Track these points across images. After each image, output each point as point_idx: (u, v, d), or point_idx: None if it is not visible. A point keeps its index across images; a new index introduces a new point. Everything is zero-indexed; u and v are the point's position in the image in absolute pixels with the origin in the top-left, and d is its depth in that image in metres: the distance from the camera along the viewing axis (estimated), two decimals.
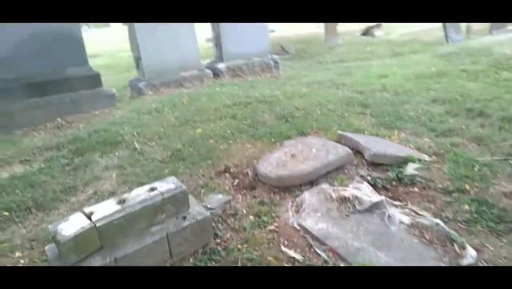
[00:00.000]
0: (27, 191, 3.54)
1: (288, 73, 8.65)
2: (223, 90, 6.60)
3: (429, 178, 3.57)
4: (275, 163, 3.68)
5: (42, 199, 3.39)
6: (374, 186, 3.51)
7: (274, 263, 2.61)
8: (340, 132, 4.33)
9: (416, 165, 3.69)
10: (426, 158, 3.94)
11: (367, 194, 3.24)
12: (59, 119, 5.72)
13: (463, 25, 12.95)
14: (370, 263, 2.48)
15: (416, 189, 3.46)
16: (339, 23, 15.38)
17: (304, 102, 5.66)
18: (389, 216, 2.97)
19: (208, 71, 7.74)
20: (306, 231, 2.85)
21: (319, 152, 3.74)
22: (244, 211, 3.21)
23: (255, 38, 8.11)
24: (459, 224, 2.97)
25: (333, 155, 3.65)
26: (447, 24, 11.93)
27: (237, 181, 3.71)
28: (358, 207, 3.06)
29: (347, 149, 3.74)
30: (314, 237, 2.78)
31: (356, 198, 3.12)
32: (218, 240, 2.85)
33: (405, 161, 3.78)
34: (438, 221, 2.94)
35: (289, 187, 3.47)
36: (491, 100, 5.42)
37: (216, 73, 7.85)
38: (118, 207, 2.47)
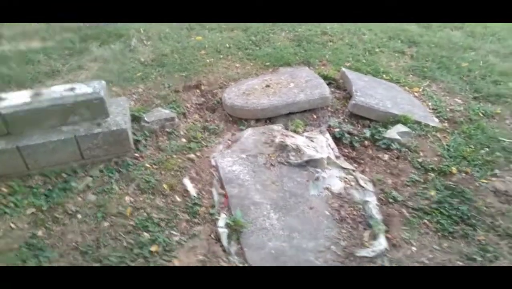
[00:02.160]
0: (20, 66, 3.92)
1: None
2: None
3: (414, 147, 2.96)
4: (243, 90, 3.39)
5: (24, 77, 3.73)
6: (339, 140, 3.05)
7: (167, 192, 2.58)
8: (343, 69, 3.70)
9: (404, 129, 3.05)
10: (434, 123, 3.21)
11: (316, 147, 2.85)
12: None
13: None
14: (240, 221, 2.28)
15: (385, 157, 2.92)
16: None
17: (339, 26, 4.86)
18: (317, 178, 2.61)
19: None
20: (217, 169, 2.68)
21: (293, 89, 3.30)
22: (182, 132, 3.13)
23: None
24: (403, 210, 2.49)
25: (305, 95, 3.20)
26: None
27: (202, 99, 3.56)
28: (292, 159, 2.73)
29: (325, 92, 3.22)
30: (220, 178, 2.62)
31: (297, 148, 2.78)
32: (137, 154, 2.88)
33: (397, 120, 3.14)
34: (371, 199, 2.50)
35: (246, 119, 3.22)
36: None
37: None
38: (27, 100, 2.59)
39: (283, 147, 2.81)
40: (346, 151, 3.03)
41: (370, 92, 3.34)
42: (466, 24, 5.23)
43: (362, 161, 2.94)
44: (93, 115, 2.78)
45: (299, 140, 2.88)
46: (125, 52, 4.20)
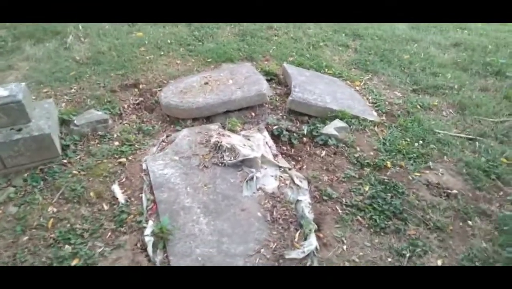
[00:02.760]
0: None
1: None
2: None
3: (351, 143, 2.96)
4: (181, 88, 3.27)
5: None
6: (277, 137, 3.01)
7: (94, 200, 2.44)
8: (284, 64, 3.66)
9: (341, 124, 3.04)
10: (372, 117, 3.23)
11: (252, 146, 2.79)
12: None
13: None
14: (166, 229, 2.19)
15: (323, 153, 2.91)
16: None
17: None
18: (251, 178, 2.55)
19: None
20: (147, 173, 2.57)
21: (231, 86, 3.22)
22: (115, 135, 2.98)
23: None
24: (337, 208, 2.47)
25: (242, 92, 3.12)
26: None
27: (140, 99, 3.41)
28: (226, 159, 2.66)
29: (261, 88, 3.16)
30: (150, 183, 2.51)
31: (232, 148, 2.70)
32: (65, 160, 2.71)
33: (335, 115, 3.13)
34: (304, 198, 2.47)
35: (183, 119, 3.10)
36: None
37: None
38: None
39: (218, 147, 2.73)
40: (284, 148, 2.99)
41: (309, 87, 3.32)
42: None
43: (300, 158, 2.91)
44: (12, 120, 2.59)
45: (234, 139, 2.81)
46: (59, 50, 3.96)
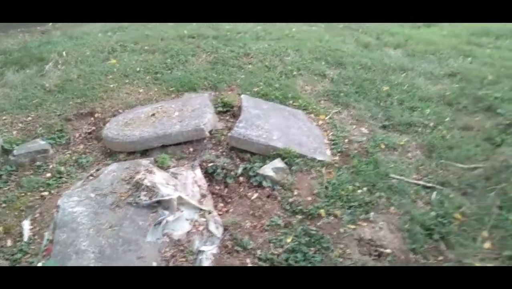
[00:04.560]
0: None
1: None
2: None
3: (289, 185, 2.71)
4: (127, 120, 3.23)
5: None
6: (211, 175, 2.83)
7: (1, 235, 2.41)
8: (242, 96, 3.50)
9: (280, 164, 2.80)
10: (323, 157, 2.95)
11: (177, 185, 2.64)
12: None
13: None
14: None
15: (255, 195, 2.69)
16: None
17: (267, 46, 4.65)
18: (159, 223, 2.39)
19: None
20: (58, 210, 2.50)
21: (174, 119, 3.12)
22: (51, 166, 2.98)
23: None
24: (248, 261, 2.24)
25: (180, 126, 3.00)
26: None
27: (93, 128, 3.41)
28: (143, 199, 2.53)
29: (200, 123, 3.01)
30: (57, 221, 2.43)
31: (152, 187, 2.58)
32: None
33: (278, 154, 2.90)
34: (209, 248, 2.27)
35: (121, 152, 3.04)
36: None
37: None
38: None
39: (138, 185, 2.61)
40: (217, 187, 2.80)
41: (258, 122, 3.12)
42: (409, 42, 4.95)
43: (230, 200, 2.71)
44: None
45: (158, 177, 2.67)
46: (35, 77, 4.12)
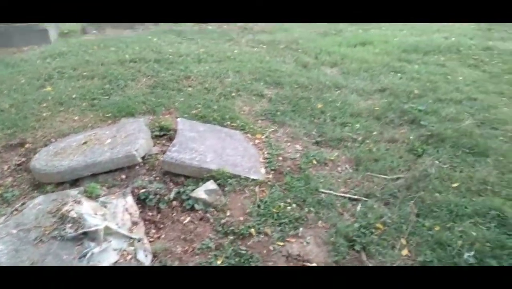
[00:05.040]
0: None
1: (269, 24, 7.43)
2: (154, 41, 5.88)
3: (222, 206, 2.73)
4: (58, 149, 3.14)
5: None
6: (143, 202, 2.80)
7: None
8: (178, 119, 3.52)
9: (213, 186, 2.83)
10: (257, 176, 3.01)
11: (106, 214, 2.59)
12: None
13: None
14: None
15: (187, 219, 2.68)
16: None
17: (208, 68, 4.74)
18: (84, 255, 2.32)
19: None
20: None
21: (105, 146, 3.07)
22: None
23: None
24: None
25: (110, 154, 2.96)
26: None
27: (23, 159, 3.29)
28: (68, 231, 2.45)
29: (132, 150, 2.99)
30: None
31: (78, 218, 2.50)
32: None
33: (211, 176, 2.92)
34: None
35: (50, 183, 2.94)
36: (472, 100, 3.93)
37: None
38: None
39: (64, 217, 2.53)
40: (150, 214, 2.77)
41: (193, 145, 3.14)
42: (345, 60, 5.20)
43: (162, 225, 2.69)
44: None
45: (86, 207, 2.61)
46: None
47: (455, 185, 2.80)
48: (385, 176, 2.99)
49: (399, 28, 7.15)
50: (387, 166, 3.09)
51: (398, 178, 2.96)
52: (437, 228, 2.43)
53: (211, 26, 6.96)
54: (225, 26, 7.08)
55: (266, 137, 3.54)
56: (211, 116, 3.74)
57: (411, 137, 3.45)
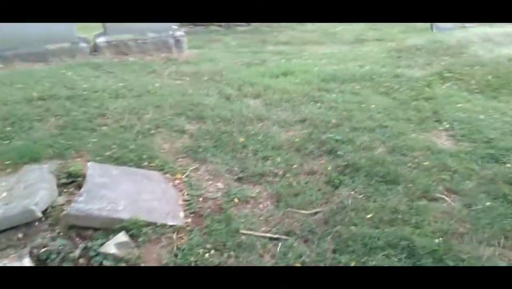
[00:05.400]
0: None
1: (194, 54, 7.42)
2: (68, 75, 5.52)
3: (136, 260, 2.52)
4: None
5: None
6: (45, 263, 2.50)
7: None
8: (89, 164, 3.26)
9: (124, 238, 2.62)
10: (175, 221, 2.85)
11: None
12: None
13: None
14: None
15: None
16: None
17: (126, 104, 4.53)
18: None
19: (84, 46, 6.65)
20: None
21: (1, 201, 2.72)
22: None
23: None
24: None
25: (4, 210, 2.64)
26: None
27: None
28: None
29: (30, 204, 2.69)
30: None
31: None
32: None
33: (123, 226, 2.71)
34: None
35: None
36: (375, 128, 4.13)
37: (96, 49, 6.73)
38: None
39: None
40: None
41: (104, 192, 2.91)
42: (267, 91, 5.30)
43: None
44: None
45: None
46: None
47: (369, 216, 2.89)
48: (304, 211, 3.00)
49: (319, 57, 7.53)
50: (307, 199, 3.12)
51: (316, 212, 3.00)
52: (353, 264, 2.46)
53: (133, 57, 6.74)
54: (148, 57, 6.90)
55: (187, 176, 3.42)
56: (127, 157, 3.53)
57: (329, 168, 3.54)
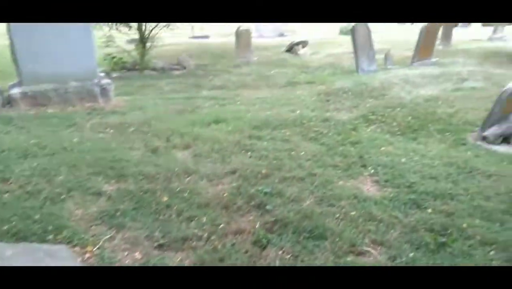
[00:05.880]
0: None
1: (123, 102, 7.13)
2: None
3: None
4: None
5: None
6: None
7: None
8: None
9: None
10: None
11: None
12: None
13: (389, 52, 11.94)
14: None
15: None
16: (253, 39, 14.01)
17: (34, 166, 4.10)
18: None
19: None
20: None
21: None
22: None
23: (73, 52, 6.44)
24: None
25: None
26: (359, 53, 10.79)
27: None
28: None
29: None
30: None
31: None
32: None
33: None
34: None
35: None
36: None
37: (9, 101, 6.21)
38: None
39: None
40: None
41: None
42: (197, 142, 5.15)
43: None
44: None
45: None
46: None
47: None
48: None
49: (252, 102, 7.61)
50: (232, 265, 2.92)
51: None
52: None
53: (52, 109, 6.28)
54: (70, 108, 6.47)
55: (99, 248, 3.06)
56: (29, 230, 3.10)
57: (257, 225, 3.39)
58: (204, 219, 3.47)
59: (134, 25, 12.07)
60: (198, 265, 2.95)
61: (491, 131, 5.20)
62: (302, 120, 6.24)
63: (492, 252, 3.03)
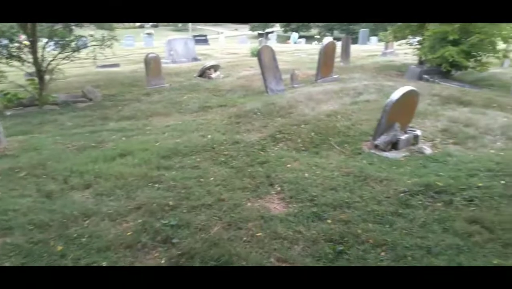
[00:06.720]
0: None
1: (16, 143, 6.50)
2: None
3: None
4: None
5: None
6: None
7: None
8: None
9: None
10: None
11: None
12: None
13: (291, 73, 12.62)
14: None
15: None
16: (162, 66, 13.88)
17: None
18: None
19: None
20: None
21: None
22: None
23: None
24: None
25: None
26: (267, 74, 11.27)
27: None
28: None
29: None
30: None
31: None
32: None
33: None
34: None
35: None
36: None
37: None
38: None
39: None
40: None
41: None
42: (98, 180, 4.86)
43: None
44: None
45: None
46: None
47: None
48: None
49: (162, 130, 7.46)
50: None
51: None
52: None
53: None
54: None
55: None
56: None
57: (162, 262, 3.28)
58: (104, 264, 3.25)
59: (29, 58, 11.16)
60: None
61: (381, 139, 5.76)
62: (213, 144, 6.26)
63: (382, 253, 3.30)
